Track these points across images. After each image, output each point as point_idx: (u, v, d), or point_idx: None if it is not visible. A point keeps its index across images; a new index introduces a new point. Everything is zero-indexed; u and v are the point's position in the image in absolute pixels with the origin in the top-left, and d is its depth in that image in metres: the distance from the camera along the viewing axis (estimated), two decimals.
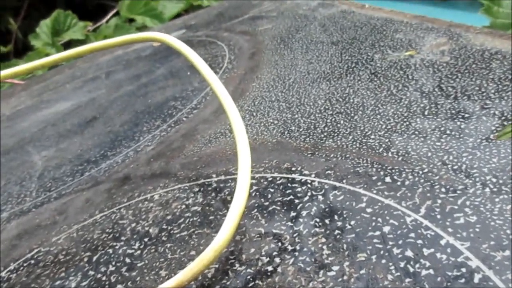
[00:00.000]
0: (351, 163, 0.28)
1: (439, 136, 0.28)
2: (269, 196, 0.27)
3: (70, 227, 0.32)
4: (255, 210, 0.27)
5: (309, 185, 0.27)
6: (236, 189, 0.23)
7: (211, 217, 0.27)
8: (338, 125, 0.33)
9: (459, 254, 0.20)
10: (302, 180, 0.28)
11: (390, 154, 0.28)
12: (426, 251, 0.20)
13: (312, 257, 0.22)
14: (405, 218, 0.23)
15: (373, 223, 0.23)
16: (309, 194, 0.26)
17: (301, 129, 0.34)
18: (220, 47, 0.61)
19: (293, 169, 0.29)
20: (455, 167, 0.25)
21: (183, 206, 0.29)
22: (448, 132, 0.28)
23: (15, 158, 0.49)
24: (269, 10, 0.71)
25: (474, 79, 0.34)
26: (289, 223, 0.25)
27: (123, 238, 0.28)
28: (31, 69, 0.34)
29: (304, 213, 0.25)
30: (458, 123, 0.29)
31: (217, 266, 0.23)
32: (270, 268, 0.22)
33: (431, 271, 0.19)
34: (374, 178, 0.26)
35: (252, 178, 0.29)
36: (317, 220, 0.24)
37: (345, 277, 0.20)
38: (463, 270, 0.19)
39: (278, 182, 0.28)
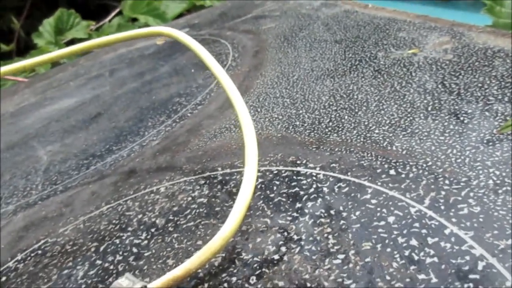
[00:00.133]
0: (355, 156, 0.29)
1: (443, 130, 0.29)
2: (275, 188, 0.28)
3: (76, 219, 0.32)
4: (261, 201, 0.27)
5: (314, 178, 0.28)
6: (244, 177, 0.24)
7: (217, 209, 0.28)
8: (343, 120, 0.33)
9: (463, 243, 0.20)
10: (307, 173, 0.28)
11: (394, 148, 0.28)
12: (430, 240, 0.21)
13: (318, 246, 0.22)
14: (410, 209, 0.23)
15: (378, 214, 0.23)
16: (314, 186, 0.27)
17: (305, 124, 0.34)
18: (224, 45, 0.62)
19: (298, 162, 0.30)
20: (459, 160, 0.25)
21: (189, 198, 0.30)
22: (451, 127, 0.29)
23: (20, 153, 0.49)
24: (272, 10, 0.72)
25: (477, 76, 0.34)
26: (295, 214, 0.25)
27: (130, 229, 0.29)
28: (36, 64, 0.34)
29: (309, 204, 0.25)
30: (461, 118, 0.29)
31: (223, 255, 0.24)
32: (276, 257, 0.22)
33: (435, 259, 0.20)
34: (378, 170, 0.26)
35: (258, 171, 0.30)
36: (323, 211, 0.25)
37: (351, 265, 0.21)
38: (467, 258, 0.19)
39: (283, 175, 0.29)
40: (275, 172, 0.29)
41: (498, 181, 0.23)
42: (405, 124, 0.30)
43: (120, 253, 0.27)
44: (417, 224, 0.22)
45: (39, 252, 0.30)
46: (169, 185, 0.32)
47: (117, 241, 0.28)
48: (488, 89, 0.32)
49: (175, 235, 0.26)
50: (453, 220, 0.21)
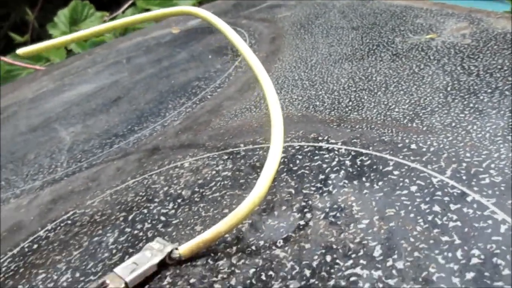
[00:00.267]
0: (376, 132, 0.29)
1: (463, 108, 0.29)
2: (297, 162, 0.29)
3: (103, 192, 0.33)
4: (284, 174, 0.28)
5: (336, 152, 0.28)
6: (271, 143, 0.25)
7: (241, 181, 0.29)
8: (362, 100, 0.34)
9: (485, 209, 0.21)
10: (329, 148, 0.29)
11: (414, 125, 0.29)
12: (453, 207, 0.21)
13: (342, 212, 0.23)
14: (432, 179, 0.24)
15: (400, 184, 0.24)
16: (336, 159, 0.28)
17: (325, 104, 0.35)
18: (240, 33, 0.62)
19: (320, 138, 0.30)
20: (479, 135, 0.26)
21: (214, 172, 0.30)
22: (471, 105, 0.29)
23: (43, 135, 0.51)
24: None
25: (496, 58, 0.34)
26: (318, 185, 0.26)
27: (156, 200, 0.30)
28: (78, 38, 0.35)
29: (332, 176, 0.26)
30: (481, 97, 0.30)
31: (250, 221, 0.24)
32: (302, 223, 0.23)
33: (458, 223, 0.20)
34: (399, 145, 0.27)
35: None
36: (346, 181, 0.25)
37: (375, 229, 0.21)
38: (490, 222, 0.20)
39: (306, 150, 0.30)
40: (297, 147, 0.30)
41: None
42: (424, 103, 0.31)
43: (149, 221, 0.28)
44: (439, 193, 0.23)
45: (69, 222, 0.31)
46: (193, 161, 0.33)
47: (145, 211, 0.29)
48: (507, 70, 0.32)
49: (202, 204, 0.27)
50: (475, 188, 0.22)
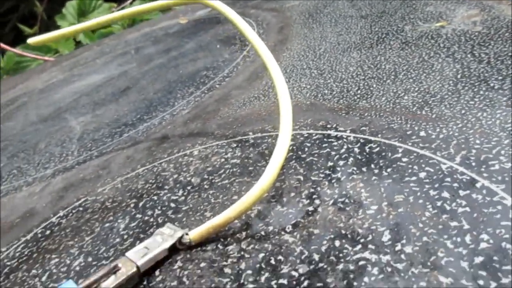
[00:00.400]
0: (385, 120, 0.29)
1: (473, 96, 0.29)
2: (306, 149, 0.29)
3: (114, 180, 0.34)
4: (293, 161, 0.28)
5: (344, 140, 0.28)
6: (280, 131, 0.25)
7: (250, 168, 0.29)
8: (371, 88, 0.34)
9: (495, 195, 0.21)
10: (338, 135, 0.29)
11: (423, 112, 0.29)
12: (462, 193, 0.21)
13: (351, 199, 0.23)
14: (441, 166, 0.24)
15: (409, 170, 0.24)
16: (345, 147, 0.28)
17: (334, 92, 0.35)
18: (248, 23, 0.62)
19: (328, 126, 0.30)
20: (489, 122, 0.26)
21: (223, 160, 0.31)
22: (481, 92, 0.29)
23: (53, 124, 0.51)
24: None
25: (507, 45, 0.34)
26: (327, 171, 0.26)
27: (166, 187, 0.30)
28: (90, 27, 0.35)
29: (341, 163, 0.26)
30: (492, 84, 0.30)
31: (259, 207, 0.25)
32: (310, 208, 0.23)
33: (467, 208, 0.20)
34: (408, 132, 0.27)
35: None
36: (354, 168, 0.25)
37: (384, 215, 0.22)
38: (499, 207, 0.20)
39: (314, 137, 0.30)
40: (306, 135, 0.30)
41: None
42: (434, 91, 0.31)
43: (159, 208, 0.28)
44: (448, 179, 0.23)
45: (80, 208, 0.31)
46: (202, 149, 0.33)
47: (155, 197, 0.29)
48: None
49: (211, 191, 0.28)
50: (485, 175, 0.22)
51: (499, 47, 0.34)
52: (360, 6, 0.54)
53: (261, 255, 0.21)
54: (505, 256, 0.18)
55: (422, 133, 0.27)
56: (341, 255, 0.20)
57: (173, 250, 0.23)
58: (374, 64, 0.38)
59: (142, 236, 0.26)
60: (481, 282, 0.17)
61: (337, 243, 0.21)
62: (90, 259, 0.26)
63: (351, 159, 0.26)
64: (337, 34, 0.47)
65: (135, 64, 0.63)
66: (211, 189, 0.28)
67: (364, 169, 0.25)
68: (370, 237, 0.20)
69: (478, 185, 0.22)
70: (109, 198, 0.31)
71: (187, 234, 0.23)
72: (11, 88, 0.78)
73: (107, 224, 0.28)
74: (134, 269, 0.22)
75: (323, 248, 0.21)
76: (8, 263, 0.28)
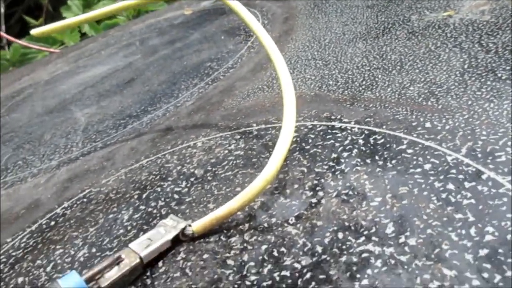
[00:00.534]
0: (390, 111, 0.29)
1: (480, 86, 0.29)
2: (310, 141, 0.28)
3: (118, 171, 0.34)
4: (297, 153, 0.28)
5: (349, 131, 0.28)
6: (283, 122, 0.25)
7: (253, 160, 0.29)
8: (376, 79, 0.33)
9: (500, 186, 0.20)
10: (342, 127, 0.29)
11: (429, 103, 0.28)
12: (467, 184, 0.21)
13: (354, 190, 0.23)
14: (446, 157, 0.23)
15: (414, 162, 0.24)
16: (349, 138, 0.27)
17: (338, 83, 0.35)
18: (253, 13, 0.62)
19: (333, 117, 0.30)
20: (496, 113, 0.26)
21: (226, 151, 0.31)
22: (488, 83, 0.29)
23: (59, 116, 0.51)
24: None
25: None
26: (331, 163, 0.26)
27: (170, 178, 0.30)
28: (100, 16, 0.35)
29: (345, 154, 0.26)
30: (499, 74, 0.29)
31: (262, 199, 0.25)
32: (314, 200, 0.23)
33: (472, 200, 0.20)
34: (414, 124, 0.27)
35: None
36: (359, 160, 0.25)
37: (388, 206, 0.21)
38: (505, 199, 0.20)
39: (318, 129, 0.29)
40: (310, 126, 0.30)
41: None
42: (440, 81, 0.30)
43: (162, 199, 0.28)
44: (454, 171, 0.22)
45: (85, 200, 0.32)
46: (206, 140, 0.33)
47: (159, 189, 0.29)
48: None
49: (214, 183, 0.28)
50: (491, 166, 0.22)
51: (507, 36, 0.34)
52: None
53: (264, 247, 0.21)
54: (510, 249, 0.17)
55: (428, 124, 0.26)
56: (344, 247, 0.20)
57: (176, 241, 0.23)
58: (380, 54, 0.37)
59: (145, 227, 0.26)
60: (485, 275, 0.17)
61: (340, 235, 0.21)
62: (94, 250, 0.26)
63: (355, 150, 0.26)
64: (343, 24, 0.47)
65: (139, 55, 0.63)
66: (214, 180, 0.28)
67: (368, 160, 0.25)
68: (373, 229, 0.20)
69: (483, 176, 0.21)
70: (113, 190, 0.31)
71: (190, 225, 0.23)
72: (17, 79, 0.79)
73: (111, 215, 0.28)
74: (137, 260, 0.22)
75: (326, 240, 0.21)
76: (13, 254, 0.28)
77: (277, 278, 0.20)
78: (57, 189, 0.35)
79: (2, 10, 1.37)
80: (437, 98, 0.29)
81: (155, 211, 0.27)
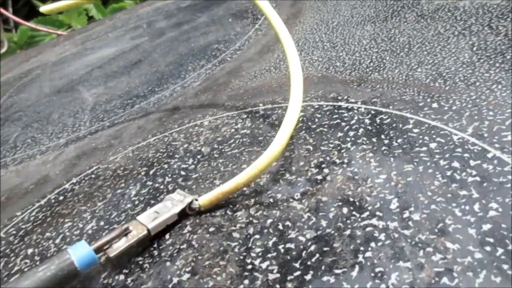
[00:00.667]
0: (397, 92, 0.29)
1: (488, 68, 0.28)
2: (316, 120, 0.29)
3: (125, 149, 0.34)
4: (303, 132, 0.28)
5: (355, 111, 0.28)
6: (290, 99, 0.25)
7: (260, 138, 0.29)
8: (384, 60, 0.33)
9: (506, 165, 0.21)
10: (349, 107, 0.29)
11: (437, 84, 0.28)
12: (472, 163, 0.21)
13: (360, 168, 0.23)
14: (452, 137, 0.23)
15: (420, 141, 0.24)
16: (355, 118, 0.28)
17: (346, 65, 0.35)
18: None
19: (339, 98, 0.30)
20: (504, 94, 0.26)
21: (233, 130, 0.31)
22: (497, 64, 0.29)
23: (66, 96, 0.52)
24: None
25: None
26: (337, 142, 0.26)
27: (177, 156, 0.30)
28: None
29: (351, 133, 0.26)
30: (508, 57, 0.29)
31: (268, 176, 0.25)
32: (319, 177, 0.24)
33: (477, 178, 0.20)
34: (420, 104, 0.27)
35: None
36: (364, 139, 0.25)
37: (393, 183, 0.22)
38: (509, 177, 0.20)
39: (325, 109, 0.30)
40: (317, 106, 0.30)
41: None
42: (448, 63, 0.30)
43: (169, 175, 0.28)
44: (459, 149, 0.22)
45: (93, 176, 0.32)
46: (212, 119, 0.33)
47: (166, 166, 0.30)
48: None
49: (221, 160, 0.28)
50: (496, 145, 0.22)
51: None
52: None
53: (269, 220, 0.22)
54: None
55: (435, 105, 0.26)
56: (348, 221, 0.20)
57: (183, 215, 0.24)
58: (388, 37, 0.37)
59: (152, 202, 0.26)
60: (488, 248, 0.17)
61: (344, 210, 0.21)
62: (102, 223, 0.26)
63: (361, 130, 0.26)
64: (351, 7, 0.46)
65: (147, 37, 0.63)
66: (220, 158, 0.28)
67: (374, 139, 0.25)
68: (378, 205, 0.21)
69: (489, 155, 0.21)
70: (120, 166, 0.32)
71: (196, 199, 0.24)
72: (25, 61, 0.79)
73: (118, 191, 0.29)
74: (145, 232, 0.22)
75: (331, 215, 0.21)
76: (23, 226, 0.29)
77: (282, 251, 0.20)
78: (65, 165, 0.35)
79: None
80: (444, 79, 0.29)
81: (162, 186, 0.28)
